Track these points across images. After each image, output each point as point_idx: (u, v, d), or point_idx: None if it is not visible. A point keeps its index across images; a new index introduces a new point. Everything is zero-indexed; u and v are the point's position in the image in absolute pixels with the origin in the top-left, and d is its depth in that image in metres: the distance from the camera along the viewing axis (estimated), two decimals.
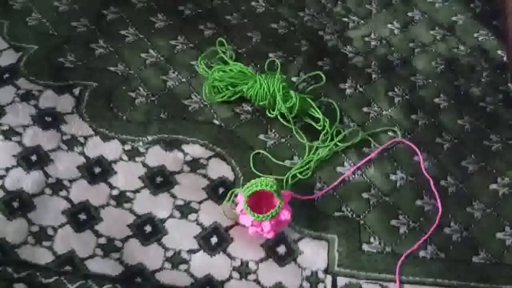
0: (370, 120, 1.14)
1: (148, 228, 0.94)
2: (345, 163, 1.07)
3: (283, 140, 1.08)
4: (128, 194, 0.98)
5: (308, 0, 1.33)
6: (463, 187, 1.07)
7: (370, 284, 0.94)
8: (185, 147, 1.04)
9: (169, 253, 0.92)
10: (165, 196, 0.98)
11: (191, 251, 0.93)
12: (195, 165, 1.02)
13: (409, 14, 1.35)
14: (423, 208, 1.03)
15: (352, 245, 0.97)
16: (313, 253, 0.95)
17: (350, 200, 1.02)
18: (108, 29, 1.19)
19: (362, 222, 1.00)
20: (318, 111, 1.09)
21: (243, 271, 0.93)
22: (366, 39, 1.28)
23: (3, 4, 1.20)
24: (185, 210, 0.97)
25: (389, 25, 1.32)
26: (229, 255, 0.94)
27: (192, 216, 0.97)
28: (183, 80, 1.14)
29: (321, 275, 0.94)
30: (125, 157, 1.02)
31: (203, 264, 0.92)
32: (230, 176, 1.02)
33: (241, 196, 0.93)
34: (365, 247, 0.97)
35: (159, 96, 1.11)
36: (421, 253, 0.98)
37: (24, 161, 0.98)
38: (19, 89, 1.07)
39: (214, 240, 0.95)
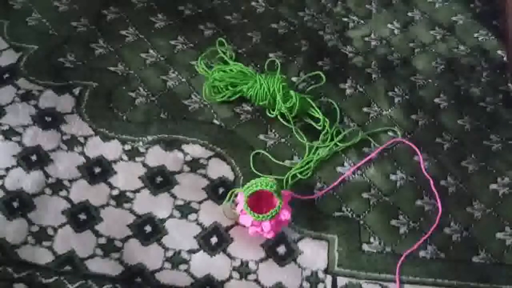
0: (370, 120, 1.14)
1: (148, 228, 0.94)
2: (345, 163, 1.07)
3: (283, 140, 1.08)
4: (128, 194, 0.98)
5: (308, 0, 1.33)
6: (463, 187, 1.07)
7: (370, 284, 0.94)
8: (185, 147, 1.04)
9: (169, 253, 0.92)
10: (165, 196, 0.98)
11: (191, 251, 0.93)
12: (195, 165, 1.02)
13: (409, 14, 1.35)
14: (423, 208, 1.03)
15: (352, 245, 0.97)
16: (313, 253, 0.95)
17: (350, 200, 1.02)
18: (108, 29, 1.19)
19: (362, 222, 1.00)
20: (318, 111, 1.09)
21: (243, 271, 0.93)
22: (366, 39, 1.28)
23: (3, 4, 1.20)
24: (185, 210, 0.97)
25: (389, 25, 1.32)
26: (229, 255, 0.94)
27: (192, 216, 0.97)
28: (183, 80, 1.14)
29: (321, 275, 0.94)
30: (125, 157, 1.02)
31: (203, 264, 0.92)
32: (230, 176, 1.02)
33: (241, 196, 0.93)
34: (365, 247, 0.97)
35: (159, 96, 1.11)
36: (421, 253, 0.98)
37: (24, 161, 0.98)
38: (19, 89, 1.07)
39: (214, 240, 0.95)
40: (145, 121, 1.07)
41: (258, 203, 0.95)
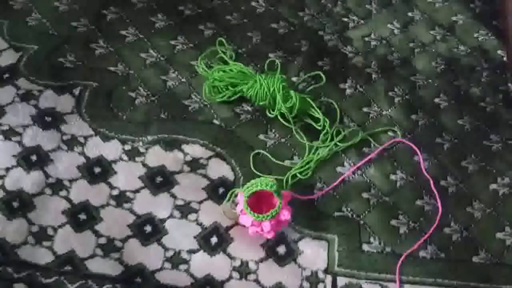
0: (370, 120, 1.14)
1: (148, 228, 0.94)
2: (345, 163, 1.07)
3: (283, 140, 1.08)
4: (128, 194, 0.98)
5: (308, 0, 1.33)
6: (463, 187, 1.07)
7: (370, 284, 0.94)
8: (185, 147, 1.04)
9: (169, 253, 0.92)
10: (165, 196, 0.98)
11: (191, 251, 0.93)
12: (195, 165, 1.02)
13: (409, 14, 1.35)
14: (423, 208, 1.03)
15: (352, 245, 0.97)
16: (313, 253, 0.95)
17: (350, 200, 1.02)
18: (108, 29, 1.19)
19: (362, 222, 1.00)
20: (318, 111, 1.09)
21: (243, 271, 0.93)
22: (366, 39, 1.28)
23: (3, 4, 1.19)
24: (185, 210, 0.97)
25: (389, 25, 1.32)
26: (229, 255, 0.94)
27: (192, 216, 0.97)
28: (183, 80, 1.14)
29: (321, 275, 0.94)
30: (125, 157, 1.02)
31: (203, 264, 0.92)
32: (230, 176, 1.02)
33: (241, 196, 0.93)
34: (365, 247, 0.97)
35: (159, 96, 1.11)
36: (421, 253, 0.98)
37: (24, 161, 0.98)
38: (19, 89, 1.07)
39: (214, 240, 0.95)
40: (145, 121, 1.07)
41: (258, 203, 0.95)
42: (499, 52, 1.30)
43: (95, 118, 1.05)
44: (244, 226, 0.94)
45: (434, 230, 1.00)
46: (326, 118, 1.09)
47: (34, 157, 0.99)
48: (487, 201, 1.06)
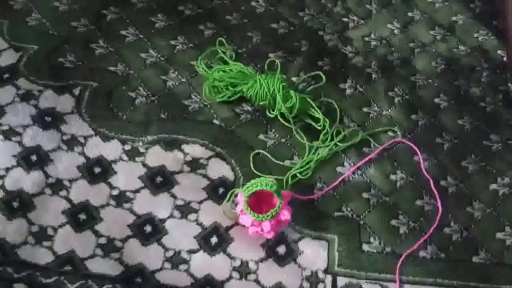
0: (370, 120, 1.14)
1: (148, 228, 0.94)
2: (345, 163, 1.07)
3: (283, 140, 1.08)
4: (128, 194, 0.98)
5: (308, 0, 1.33)
6: (463, 187, 1.07)
7: (370, 284, 0.94)
8: (185, 147, 1.04)
9: (169, 253, 0.92)
10: (165, 196, 0.98)
11: (191, 251, 0.93)
12: (195, 165, 1.02)
13: (409, 14, 1.35)
14: (423, 208, 1.03)
15: (352, 245, 0.97)
16: (313, 253, 0.95)
17: (350, 200, 1.02)
18: (108, 29, 1.19)
19: (362, 222, 1.00)
20: (318, 111, 1.09)
21: (243, 271, 0.93)
22: (366, 39, 1.28)
23: (3, 4, 1.19)
24: (185, 210, 0.97)
25: (389, 25, 1.32)
26: (229, 255, 0.94)
27: (192, 216, 0.97)
28: (183, 80, 1.14)
29: (321, 275, 0.94)
30: (125, 157, 1.02)
31: (203, 264, 0.92)
32: (230, 176, 1.02)
33: (241, 196, 0.93)
34: (365, 247, 0.97)
35: (159, 96, 1.11)
36: (421, 253, 0.98)
37: (24, 161, 0.98)
38: (19, 89, 1.07)
39: (214, 240, 0.95)
40: (145, 121, 1.07)
41: (258, 203, 0.95)
42: (499, 52, 1.30)
43: (95, 118, 1.05)
44: (244, 226, 0.94)
45: (434, 230, 1.00)
46: (326, 118, 1.09)
47: (34, 157, 0.99)
48: (487, 201, 1.06)
